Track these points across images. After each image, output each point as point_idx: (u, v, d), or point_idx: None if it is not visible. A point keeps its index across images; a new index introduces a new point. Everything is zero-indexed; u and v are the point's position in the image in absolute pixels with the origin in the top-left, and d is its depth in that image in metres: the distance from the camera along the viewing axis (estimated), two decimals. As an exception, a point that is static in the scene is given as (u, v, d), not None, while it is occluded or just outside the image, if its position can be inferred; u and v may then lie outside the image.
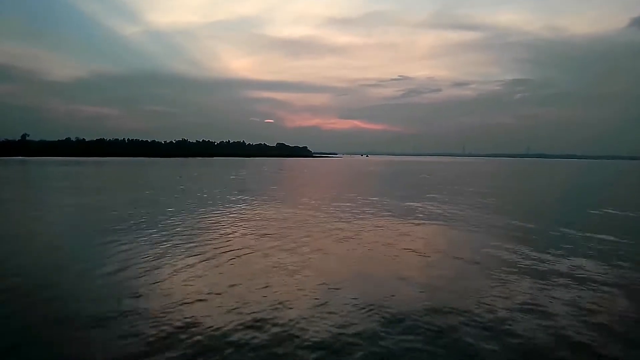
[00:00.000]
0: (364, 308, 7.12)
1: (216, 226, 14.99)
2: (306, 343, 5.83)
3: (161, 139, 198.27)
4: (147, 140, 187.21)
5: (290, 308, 7.10)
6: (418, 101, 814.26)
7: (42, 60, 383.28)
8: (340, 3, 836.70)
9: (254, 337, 5.99)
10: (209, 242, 12.27)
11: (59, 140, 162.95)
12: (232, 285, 8.28)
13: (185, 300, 7.37)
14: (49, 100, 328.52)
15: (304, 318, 6.65)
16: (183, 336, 5.97)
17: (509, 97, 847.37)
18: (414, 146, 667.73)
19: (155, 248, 11.35)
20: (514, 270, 9.63)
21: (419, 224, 15.97)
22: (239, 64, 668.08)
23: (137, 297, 7.55)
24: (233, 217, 17.01)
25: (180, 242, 12.15)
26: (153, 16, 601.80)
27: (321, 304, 7.27)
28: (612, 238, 13.48)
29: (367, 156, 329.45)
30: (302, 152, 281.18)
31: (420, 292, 8.07)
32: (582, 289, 8.33)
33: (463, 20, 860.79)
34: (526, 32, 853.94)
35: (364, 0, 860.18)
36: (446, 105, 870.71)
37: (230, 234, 13.60)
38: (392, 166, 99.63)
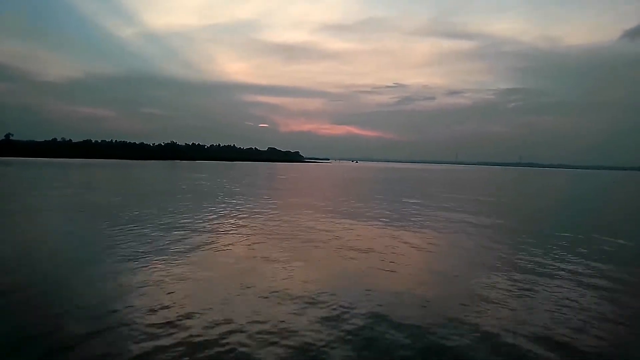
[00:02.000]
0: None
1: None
2: None
3: (155, 141, 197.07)
4: (134, 143, 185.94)
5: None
6: (412, 108, 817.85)
7: (38, 60, 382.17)
8: (337, 9, 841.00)
9: None
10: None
11: (45, 140, 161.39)
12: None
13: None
14: (45, 101, 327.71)
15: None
16: None
17: (503, 105, 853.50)
18: (408, 153, 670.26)
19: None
20: None
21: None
22: (234, 67, 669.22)
23: None
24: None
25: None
26: (150, 18, 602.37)
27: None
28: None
29: (356, 162, 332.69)
30: (293, 157, 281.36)
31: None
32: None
33: (458, 28, 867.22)
34: (521, 42, 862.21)
35: (360, 7, 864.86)
36: (440, 113, 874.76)
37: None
38: (377, 173, 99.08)
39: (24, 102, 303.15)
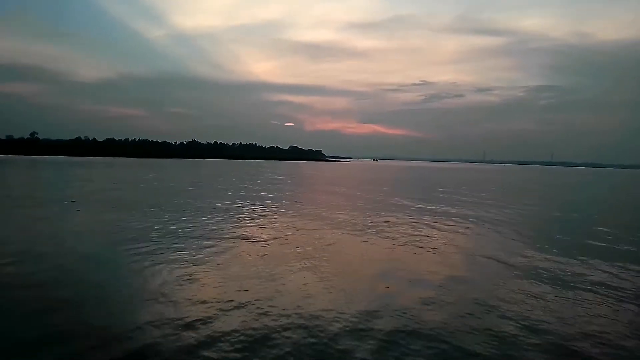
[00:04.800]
0: None
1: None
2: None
3: (180, 140, 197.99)
4: (157, 141, 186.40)
5: None
6: (439, 106, 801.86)
7: (69, 62, 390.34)
8: (362, 7, 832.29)
9: None
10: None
11: (69, 139, 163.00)
12: None
13: None
14: (75, 101, 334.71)
15: None
16: None
17: (534, 103, 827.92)
18: (434, 152, 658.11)
19: None
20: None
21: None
22: (260, 67, 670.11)
23: None
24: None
25: None
26: (178, 19, 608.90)
27: None
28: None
29: (376, 160, 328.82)
30: (315, 155, 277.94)
31: None
32: None
33: (487, 25, 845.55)
34: (552, 38, 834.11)
35: (386, 5, 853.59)
36: (468, 111, 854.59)
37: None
38: (389, 172, 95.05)
39: (54, 102, 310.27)
